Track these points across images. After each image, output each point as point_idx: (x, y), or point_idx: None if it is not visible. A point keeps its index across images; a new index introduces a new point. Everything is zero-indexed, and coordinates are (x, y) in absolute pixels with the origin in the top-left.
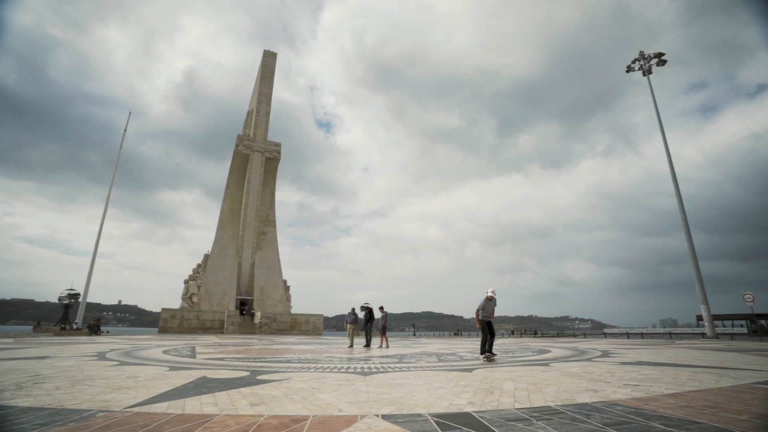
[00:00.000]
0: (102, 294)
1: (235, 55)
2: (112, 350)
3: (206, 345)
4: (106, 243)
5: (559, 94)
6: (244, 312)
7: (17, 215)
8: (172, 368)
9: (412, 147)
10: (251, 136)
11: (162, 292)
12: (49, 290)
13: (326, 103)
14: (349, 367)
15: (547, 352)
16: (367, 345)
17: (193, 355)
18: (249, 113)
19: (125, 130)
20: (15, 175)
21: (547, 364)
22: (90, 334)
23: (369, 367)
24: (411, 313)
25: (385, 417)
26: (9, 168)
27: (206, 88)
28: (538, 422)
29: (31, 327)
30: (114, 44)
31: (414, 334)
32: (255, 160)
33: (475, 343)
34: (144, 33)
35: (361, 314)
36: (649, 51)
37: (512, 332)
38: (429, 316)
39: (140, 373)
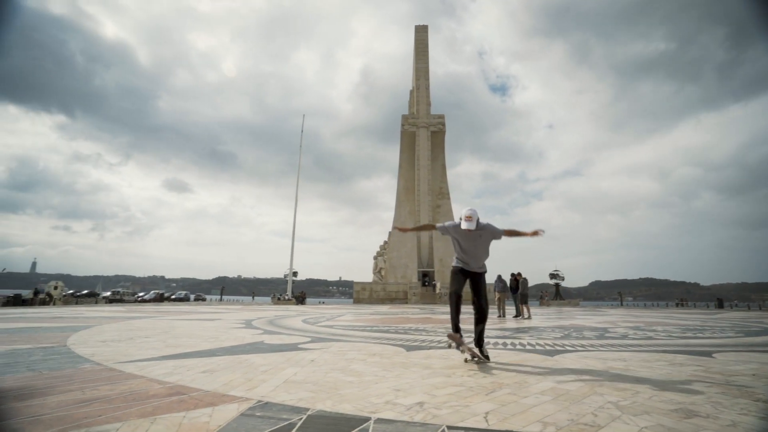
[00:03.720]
0: (327, 272)
1: (400, 42)
2: (276, 316)
3: (359, 313)
4: (323, 230)
5: None
6: (426, 283)
7: (265, 215)
8: (265, 332)
9: (604, 90)
10: (415, 113)
11: (369, 269)
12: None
13: (497, 66)
14: (416, 341)
15: None
16: (517, 314)
17: (318, 323)
18: (411, 92)
19: (302, 131)
20: (259, 184)
21: (709, 355)
22: (297, 303)
23: (436, 341)
24: (624, 280)
25: (263, 406)
26: (256, 179)
27: (380, 80)
28: None
29: (268, 298)
30: (305, 64)
31: (621, 304)
32: (421, 136)
33: (674, 318)
34: (325, 47)
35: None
36: None
37: None
38: (648, 283)
39: (225, 335)
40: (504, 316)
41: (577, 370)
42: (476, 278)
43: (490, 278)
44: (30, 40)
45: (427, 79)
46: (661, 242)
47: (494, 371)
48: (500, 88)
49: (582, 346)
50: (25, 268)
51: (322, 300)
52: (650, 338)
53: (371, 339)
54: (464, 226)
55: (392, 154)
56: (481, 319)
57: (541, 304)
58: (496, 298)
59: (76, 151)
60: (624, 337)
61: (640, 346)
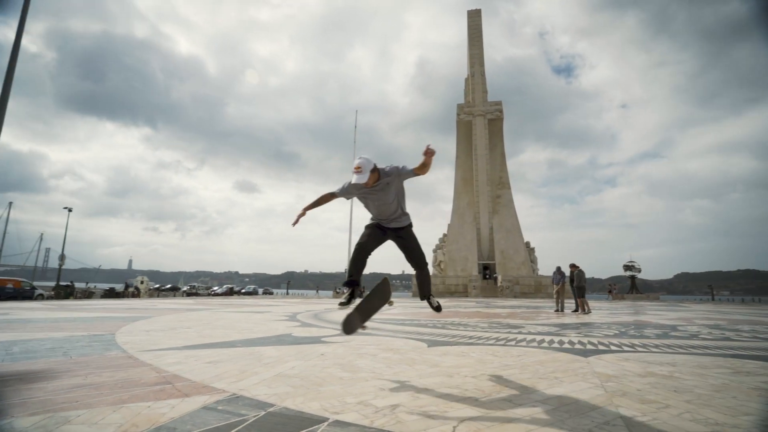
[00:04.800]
0: (390, 266)
1: (455, 30)
2: (325, 309)
3: (408, 306)
4: None
5: None
6: (487, 276)
7: (329, 212)
8: (301, 325)
9: (689, 60)
10: (471, 102)
11: (429, 262)
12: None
13: (561, 45)
14: (446, 335)
15: None
16: (576, 309)
17: None
18: (466, 80)
19: (355, 127)
20: (322, 182)
21: None
22: None
23: (467, 337)
24: (718, 273)
25: (232, 399)
26: (319, 177)
27: (437, 70)
28: None
29: (330, 292)
30: (361, 61)
31: (712, 299)
32: (478, 125)
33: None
34: (380, 42)
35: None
36: None
37: None
38: (749, 275)
39: (261, 327)
40: (562, 310)
41: (604, 375)
42: (400, 234)
43: (548, 270)
44: (122, 64)
45: (482, 65)
46: (766, 229)
47: (506, 373)
48: (565, 69)
49: (631, 345)
50: (124, 265)
51: None
52: (727, 339)
53: (400, 333)
54: (354, 180)
55: (451, 145)
56: (423, 285)
57: (613, 298)
58: (555, 291)
59: (160, 159)
60: (693, 336)
61: (707, 348)
